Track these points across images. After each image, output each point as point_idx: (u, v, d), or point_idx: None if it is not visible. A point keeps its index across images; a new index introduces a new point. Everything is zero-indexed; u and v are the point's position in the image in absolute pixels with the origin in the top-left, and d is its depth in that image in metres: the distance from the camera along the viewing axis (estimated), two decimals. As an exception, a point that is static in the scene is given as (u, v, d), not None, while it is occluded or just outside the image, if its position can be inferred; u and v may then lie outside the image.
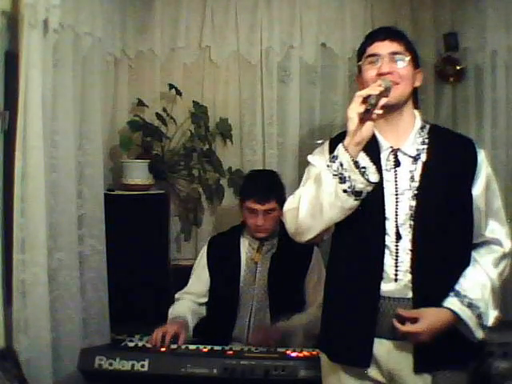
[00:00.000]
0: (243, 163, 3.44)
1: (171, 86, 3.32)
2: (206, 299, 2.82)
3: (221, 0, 3.41)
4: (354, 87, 3.43)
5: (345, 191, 1.77)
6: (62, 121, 2.54)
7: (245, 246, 2.83)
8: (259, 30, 3.40)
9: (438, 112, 3.39)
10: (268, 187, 2.76)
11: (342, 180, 1.77)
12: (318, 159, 1.98)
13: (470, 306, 1.83)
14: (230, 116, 3.42)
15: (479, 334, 1.86)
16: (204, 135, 3.33)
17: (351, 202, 1.79)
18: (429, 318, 1.80)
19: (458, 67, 3.34)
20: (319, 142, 3.44)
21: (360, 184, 1.76)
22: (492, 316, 1.88)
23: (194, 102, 3.34)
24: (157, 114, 3.30)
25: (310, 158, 2.03)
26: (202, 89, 3.46)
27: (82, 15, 2.67)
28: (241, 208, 2.82)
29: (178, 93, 3.33)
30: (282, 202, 2.71)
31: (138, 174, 3.17)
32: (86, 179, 2.76)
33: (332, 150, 1.91)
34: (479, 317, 1.85)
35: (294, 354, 2.37)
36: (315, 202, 1.82)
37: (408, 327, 1.80)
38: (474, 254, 1.91)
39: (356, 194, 1.77)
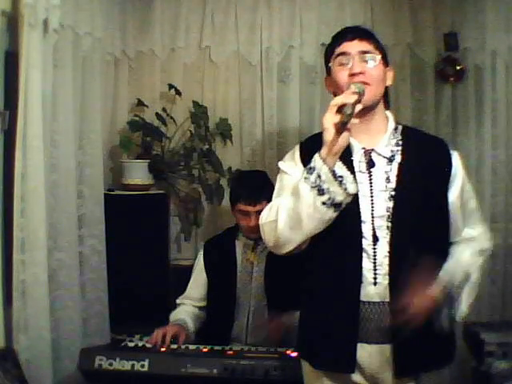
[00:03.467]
0: (243, 163, 3.44)
1: (171, 86, 3.32)
2: (205, 303, 2.83)
3: (221, 0, 3.41)
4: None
5: (324, 203, 1.74)
6: (61, 121, 2.54)
7: (240, 246, 2.83)
8: (259, 30, 3.39)
9: (438, 112, 3.38)
10: (258, 188, 2.74)
11: (321, 192, 1.73)
12: (290, 166, 1.95)
13: (447, 294, 1.81)
14: (229, 116, 3.42)
15: (445, 323, 1.82)
16: (204, 135, 3.33)
17: (331, 214, 1.76)
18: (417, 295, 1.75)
19: (458, 67, 3.33)
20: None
21: (339, 196, 1.73)
22: (462, 310, 1.86)
23: (193, 102, 3.34)
24: (157, 114, 3.30)
25: (281, 164, 2.00)
26: (202, 89, 3.45)
27: (81, 15, 2.67)
28: (232, 211, 2.82)
29: (178, 93, 3.33)
30: None
31: (138, 174, 3.17)
32: (85, 179, 2.76)
33: (303, 155, 1.90)
34: (452, 304, 1.82)
35: (293, 354, 2.37)
36: (294, 215, 1.79)
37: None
38: (453, 250, 1.89)
39: (335, 205, 1.74)
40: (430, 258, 1.77)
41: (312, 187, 1.74)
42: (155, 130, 3.29)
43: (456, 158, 1.91)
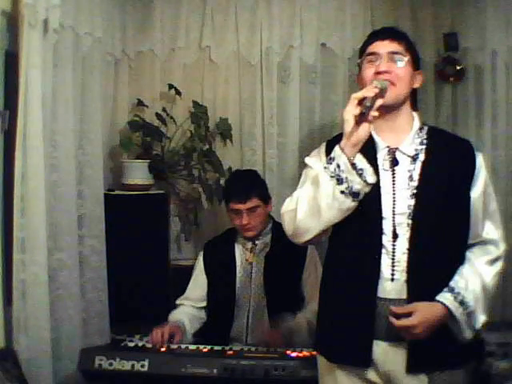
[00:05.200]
0: (243, 163, 3.44)
1: (171, 86, 3.31)
2: (205, 303, 2.84)
3: (221, 0, 3.41)
4: (354, 87, 3.43)
5: (342, 192, 1.77)
6: (61, 121, 2.54)
7: (239, 247, 2.84)
8: (259, 30, 3.39)
9: (438, 112, 3.38)
10: (247, 185, 2.77)
11: (340, 181, 1.77)
12: (315, 161, 1.98)
13: (462, 303, 1.83)
14: (230, 116, 3.42)
15: (468, 334, 1.86)
16: (204, 135, 3.32)
17: (349, 204, 1.79)
18: (422, 312, 1.79)
19: (458, 67, 3.34)
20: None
21: (357, 185, 1.77)
22: (481, 320, 1.88)
23: (193, 101, 3.34)
24: (157, 114, 3.30)
25: (307, 160, 2.04)
26: (202, 89, 3.45)
27: (82, 15, 2.67)
28: (227, 212, 2.84)
29: (178, 93, 3.33)
30: (264, 198, 2.76)
31: (138, 173, 3.17)
32: (86, 179, 2.76)
33: (328, 152, 1.91)
34: (469, 316, 1.84)
35: (293, 354, 2.37)
36: (313, 204, 1.83)
37: (403, 321, 1.80)
38: (469, 255, 1.91)
39: (353, 195, 1.78)
40: (448, 258, 1.83)
41: (331, 176, 1.78)
42: (155, 130, 3.29)
43: (480, 160, 1.93)
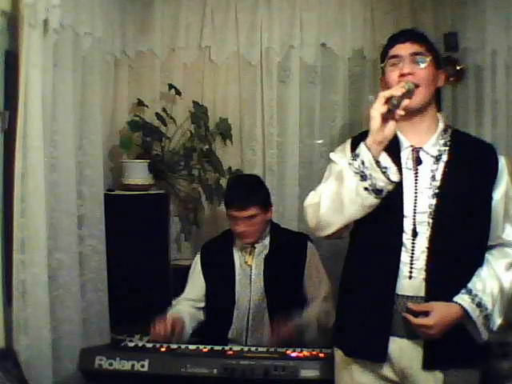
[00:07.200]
0: (243, 163, 3.44)
1: (171, 86, 3.32)
2: (203, 304, 2.83)
3: (221, 0, 3.41)
4: (354, 87, 3.44)
5: (366, 189, 1.80)
6: (61, 121, 2.54)
7: (237, 250, 2.83)
8: (259, 30, 3.39)
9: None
10: (246, 194, 2.74)
11: (363, 178, 1.79)
12: (340, 157, 2.00)
13: (480, 305, 1.85)
14: (229, 116, 3.42)
15: (484, 335, 1.88)
16: (204, 135, 3.33)
17: (371, 200, 1.81)
18: (439, 312, 1.82)
19: (458, 67, 3.34)
20: (319, 141, 3.45)
21: (381, 182, 1.79)
22: (497, 322, 1.90)
23: (193, 102, 3.34)
24: (157, 114, 3.30)
25: (331, 155, 2.07)
26: (202, 89, 3.45)
27: (82, 15, 2.67)
28: (226, 215, 2.82)
29: (178, 93, 3.33)
30: (264, 206, 2.73)
31: (138, 173, 3.17)
32: (86, 179, 2.76)
33: (353, 148, 1.94)
34: (486, 318, 1.86)
35: (294, 354, 2.37)
36: (336, 198, 1.85)
37: (419, 320, 1.82)
38: (488, 256, 1.93)
39: (376, 192, 1.80)
40: (467, 258, 1.85)
41: (355, 173, 1.81)
42: (155, 130, 3.29)
43: (502, 163, 1.96)
